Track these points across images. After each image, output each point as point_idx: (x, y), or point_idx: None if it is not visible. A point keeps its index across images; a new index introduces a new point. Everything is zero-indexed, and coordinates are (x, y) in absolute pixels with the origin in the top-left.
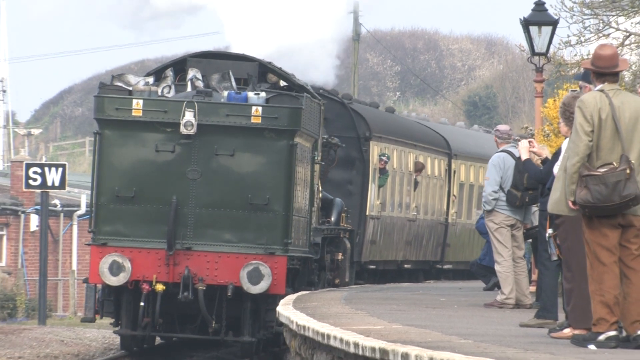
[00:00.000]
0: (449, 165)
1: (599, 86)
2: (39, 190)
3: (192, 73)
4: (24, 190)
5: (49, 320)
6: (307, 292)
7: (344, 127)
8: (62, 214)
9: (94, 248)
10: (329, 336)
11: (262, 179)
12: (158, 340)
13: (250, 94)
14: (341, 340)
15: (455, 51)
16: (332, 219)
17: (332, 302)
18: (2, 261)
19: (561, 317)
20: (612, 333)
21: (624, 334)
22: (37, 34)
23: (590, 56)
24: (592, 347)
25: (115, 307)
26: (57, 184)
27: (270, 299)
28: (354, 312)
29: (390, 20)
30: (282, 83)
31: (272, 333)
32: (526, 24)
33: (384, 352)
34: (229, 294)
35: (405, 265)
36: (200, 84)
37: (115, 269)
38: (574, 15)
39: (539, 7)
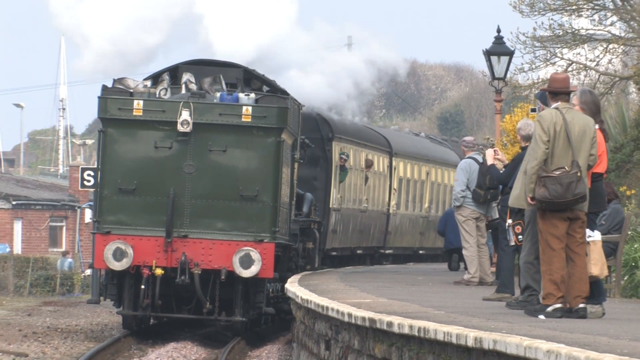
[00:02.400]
0: (390, 162)
1: (554, 104)
2: (92, 190)
3: (186, 77)
4: (80, 189)
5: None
6: (310, 272)
7: (309, 129)
8: None
9: (98, 236)
10: (327, 308)
11: (252, 172)
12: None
13: (241, 95)
14: (337, 311)
15: (430, 76)
16: (304, 211)
17: (330, 280)
18: (63, 247)
19: (517, 292)
20: (558, 305)
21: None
22: (91, 60)
23: (541, 81)
24: (541, 317)
25: (118, 290)
26: None
27: (259, 282)
28: (348, 288)
29: (377, 50)
30: (265, 88)
31: (260, 313)
32: (488, 54)
33: (372, 321)
34: (222, 277)
35: (358, 251)
36: (193, 86)
37: (119, 255)
38: (526, 47)
39: (498, 40)
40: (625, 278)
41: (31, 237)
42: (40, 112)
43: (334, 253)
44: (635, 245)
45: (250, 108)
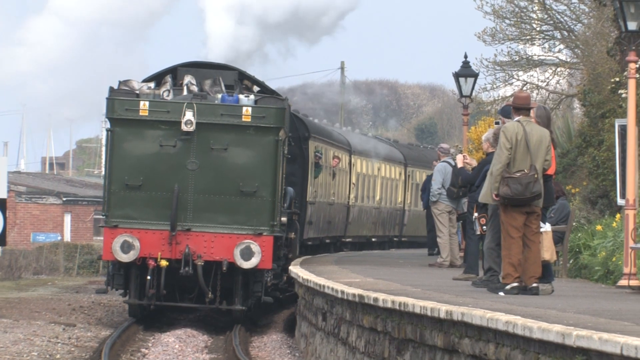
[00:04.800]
0: (350, 159)
1: (517, 118)
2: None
3: (187, 79)
4: None
5: None
6: (309, 256)
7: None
8: None
9: (107, 229)
10: (324, 286)
11: (251, 169)
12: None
13: (241, 97)
14: (332, 289)
15: (409, 94)
16: (286, 204)
17: (327, 264)
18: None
19: (481, 273)
20: (515, 284)
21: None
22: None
23: (501, 99)
24: (501, 294)
25: (125, 280)
26: None
27: (258, 273)
28: (341, 270)
29: (365, 73)
30: (255, 88)
31: (259, 302)
32: (457, 75)
33: (361, 297)
34: (224, 268)
35: (326, 240)
36: (195, 88)
37: (126, 247)
38: (489, 70)
39: (466, 64)
40: (571, 261)
41: (78, 227)
42: (87, 123)
43: (310, 242)
44: (579, 234)
45: (250, 109)
